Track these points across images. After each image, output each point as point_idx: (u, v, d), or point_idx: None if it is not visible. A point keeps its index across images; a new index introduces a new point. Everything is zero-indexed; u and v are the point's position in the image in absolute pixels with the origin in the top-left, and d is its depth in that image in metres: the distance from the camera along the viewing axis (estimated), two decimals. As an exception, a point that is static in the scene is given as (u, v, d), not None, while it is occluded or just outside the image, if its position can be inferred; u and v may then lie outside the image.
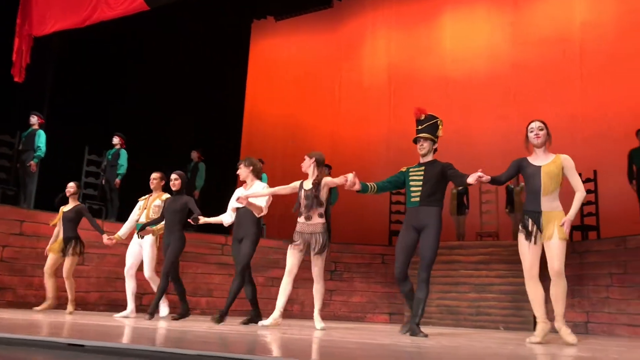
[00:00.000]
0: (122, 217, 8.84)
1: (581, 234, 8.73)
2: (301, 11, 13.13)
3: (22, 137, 8.49)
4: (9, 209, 7.68)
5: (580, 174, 8.96)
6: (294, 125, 12.80)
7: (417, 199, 4.75)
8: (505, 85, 11.33)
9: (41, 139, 8.36)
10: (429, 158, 4.89)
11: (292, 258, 5.29)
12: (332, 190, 10.30)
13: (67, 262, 6.73)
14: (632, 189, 8.02)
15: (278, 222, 10.45)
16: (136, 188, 9.22)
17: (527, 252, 4.37)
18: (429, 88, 11.98)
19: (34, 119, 8.46)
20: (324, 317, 9.33)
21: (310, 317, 8.44)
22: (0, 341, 2.85)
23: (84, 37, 9.35)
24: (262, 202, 5.60)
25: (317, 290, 5.33)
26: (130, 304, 6.36)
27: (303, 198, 5.21)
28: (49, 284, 6.78)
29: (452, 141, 11.61)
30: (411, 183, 4.84)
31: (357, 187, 4.82)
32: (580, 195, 4.35)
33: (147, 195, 6.80)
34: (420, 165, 4.89)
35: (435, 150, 4.93)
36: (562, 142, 10.40)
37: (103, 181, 9.21)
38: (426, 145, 4.85)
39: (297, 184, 5.38)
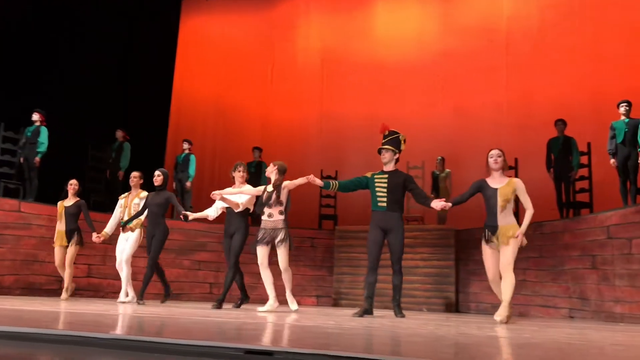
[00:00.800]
0: (42, 198, 8.46)
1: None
2: (234, -11, 12.87)
3: None
4: None
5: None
6: (225, 105, 12.60)
7: (384, 204, 5.53)
8: (435, 72, 11.59)
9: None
10: (391, 167, 5.64)
11: (261, 251, 5.97)
12: (263, 175, 10.28)
13: (70, 250, 7.19)
14: (550, 177, 8.41)
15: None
16: (56, 167, 8.84)
17: (489, 260, 5.19)
18: (361, 72, 12.09)
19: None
20: (253, 300, 9.34)
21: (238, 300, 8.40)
22: None
23: (1, 5, 8.81)
24: (241, 200, 6.24)
25: (286, 279, 6.08)
26: (130, 292, 6.99)
27: (265, 198, 5.88)
28: (64, 274, 7.23)
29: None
30: (377, 189, 5.58)
31: (319, 183, 5.64)
32: (529, 212, 5.13)
33: (126, 194, 7.22)
34: (383, 172, 5.62)
35: (397, 160, 5.67)
36: (487, 129, 10.85)
37: (21, 159, 8.74)
38: (388, 155, 5.60)
39: (262, 188, 6.11)
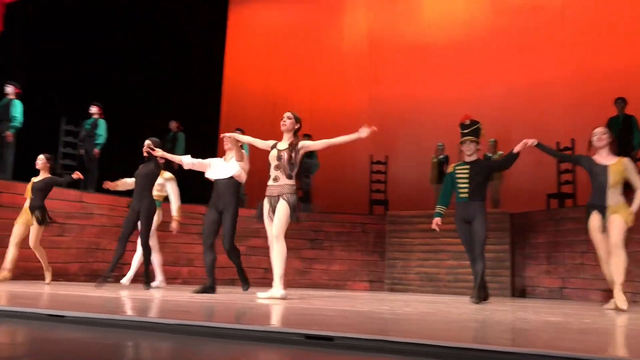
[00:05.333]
0: (102, 188, 8.78)
1: (558, 201, 8.87)
2: (280, -23, 12.90)
3: (-3, 108, 8.31)
4: (-14, 180, 7.58)
5: (558, 142, 9.10)
6: (274, 93, 12.70)
7: (466, 194, 5.42)
8: (485, 52, 11.35)
9: (17, 109, 8.20)
10: (474, 158, 5.50)
11: (269, 227, 5.07)
12: (313, 160, 10.32)
13: (33, 231, 6.58)
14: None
15: (258, 190, 10.43)
16: (115, 158, 9.14)
17: (598, 241, 4.98)
18: (409, 55, 11.97)
19: (9, 89, 8.27)
20: (304, 285, 9.46)
21: (291, 285, 8.52)
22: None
23: (59, 4, 9.15)
24: (240, 166, 5.75)
25: (278, 252, 4.91)
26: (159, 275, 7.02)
27: (275, 158, 4.99)
28: (10, 254, 6.59)
29: (430, 109, 11.67)
30: (458, 180, 5.48)
31: (436, 225, 5.58)
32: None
33: None
34: (465, 163, 5.51)
35: (479, 150, 5.57)
36: (540, 109, 10.57)
37: (81, 152, 9.10)
38: (472, 147, 5.46)
39: (270, 142, 5.18)
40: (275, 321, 2.83)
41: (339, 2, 13.03)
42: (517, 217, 8.92)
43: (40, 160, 6.84)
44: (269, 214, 4.99)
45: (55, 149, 9.10)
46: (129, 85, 10.37)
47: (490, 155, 9.66)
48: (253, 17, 13.34)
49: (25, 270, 7.73)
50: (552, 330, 2.87)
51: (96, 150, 8.98)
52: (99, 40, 10.28)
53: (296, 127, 5.11)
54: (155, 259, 6.97)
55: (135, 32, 10.77)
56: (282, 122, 5.09)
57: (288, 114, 5.15)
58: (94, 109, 9.12)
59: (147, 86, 10.67)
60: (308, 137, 10.59)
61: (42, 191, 6.71)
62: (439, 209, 5.62)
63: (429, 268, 9.10)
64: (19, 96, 8.34)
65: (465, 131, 5.52)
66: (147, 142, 6.22)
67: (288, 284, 8.86)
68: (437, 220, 5.55)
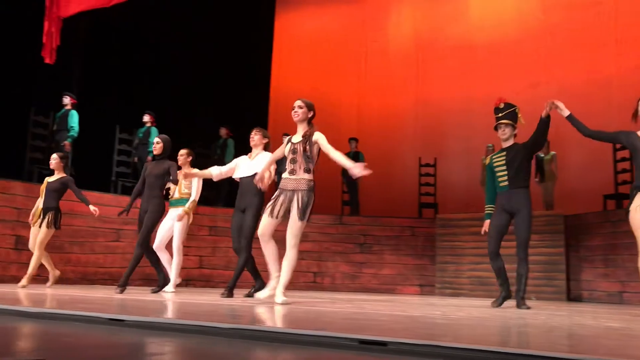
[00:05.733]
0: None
1: (615, 202, 8.60)
2: (325, -18, 12.97)
3: (55, 118, 8.67)
4: (46, 188, 7.88)
5: (614, 142, 8.77)
6: (320, 98, 12.65)
7: (506, 183, 5.02)
8: (535, 51, 11.11)
9: (74, 119, 8.53)
10: (510, 143, 5.12)
11: (267, 220, 4.59)
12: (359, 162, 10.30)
13: (42, 233, 6.38)
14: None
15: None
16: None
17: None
18: (455, 55, 11.82)
19: (66, 100, 8.62)
20: (354, 290, 9.44)
21: (341, 289, 8.53)
22: (43, 316, 2.97)
23: (113, 16, 9.45)
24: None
25: (287, 260, 4.64)
26: (173, 276, 6.59)
27: (290, 152, 4.54)
28: (43, 260, 6.54)
29: (479, 110, 11.48)
30: (497, 169, 5.11)
31: (485, 226, 5.26)
32: None
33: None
34: (502, 150, 5.14)
35: (515, 135, 5.15)
36: (595, 108, 10.25)
37: (135, 159, 9.37)
38: (507, 130, 5.09)
39: (285, 141, 4.78)
40: (328, 326, 2.85)
41: (384, 3, 12.99)
42: (571, 219, 8.68)
43: (54, 159, 6.72)
44: (274, 208, 4.47)
45: (110, 157, 9.41)
46: (180, 93, 10.62)
47: (542, 155, 9.44)
48: (299, 22, 13.45)
49: (83, 275, 8.01)
50: (613, 336, 2.78)
51: (149, 157, 9.22)
52: (151, 50, 10.58)
53: (309, 115, 4.62)
54: (170, 260, 6.80)
55: (184, 41, 11.02)
56: (293, 113, 4.59)
57: (298, 102, 4.64)
58: (146, 118, 9.39)
59: (197, 94, 10.90)
60: (355, 140, 10.62)
61: (57, 192, 6.54)
62: (487, 209, 5.29)
63: (481, 272, 8.93)
64: (75, 106, 8.67)
65: (500, 115, 5.14)
66: (156, 139, 6.08)
67: (337, 287, 8.89)
68: (487, 223, 5.25)
